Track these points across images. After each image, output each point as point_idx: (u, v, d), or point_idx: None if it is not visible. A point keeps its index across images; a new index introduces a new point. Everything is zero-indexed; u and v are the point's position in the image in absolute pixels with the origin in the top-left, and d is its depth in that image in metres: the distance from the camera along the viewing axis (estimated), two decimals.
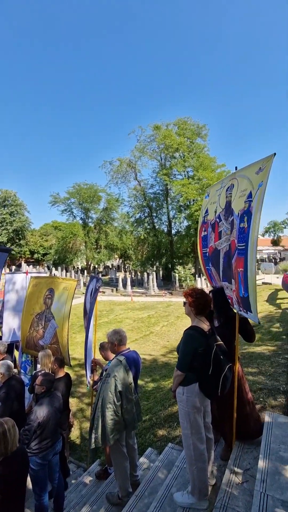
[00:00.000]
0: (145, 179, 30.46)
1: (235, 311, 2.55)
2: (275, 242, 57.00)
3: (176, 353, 2.67)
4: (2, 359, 3.67)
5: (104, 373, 2.69)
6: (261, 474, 2.11)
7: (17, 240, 41.30)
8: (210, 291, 2.88)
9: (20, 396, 3.45)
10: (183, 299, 2.49)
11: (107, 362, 3.65)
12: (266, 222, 61.17)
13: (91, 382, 3.80)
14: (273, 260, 36.08)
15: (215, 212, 3.05)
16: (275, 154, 2.13)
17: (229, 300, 2.69)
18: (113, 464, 2.73)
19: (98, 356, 3.79)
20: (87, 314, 4.14)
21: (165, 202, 28.50)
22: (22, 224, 41.95)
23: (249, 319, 2.58)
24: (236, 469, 2.39)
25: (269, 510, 1.81)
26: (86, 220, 35.74)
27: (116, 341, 2.78)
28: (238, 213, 2.46)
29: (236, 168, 2.72)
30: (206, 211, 3.43)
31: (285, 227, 57.43)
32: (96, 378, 3.65)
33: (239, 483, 2.25)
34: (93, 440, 2.46)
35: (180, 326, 11.82)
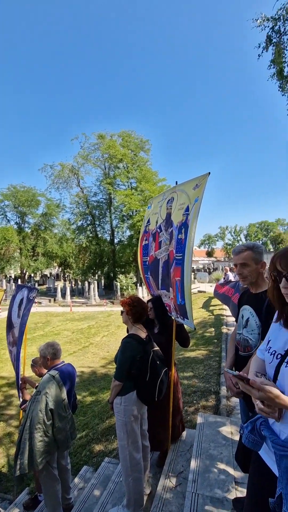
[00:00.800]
0: (88, 187, 30.14)
1: (173, 318, 2.67)
2: (209, 254, 62.22)
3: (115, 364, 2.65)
4: None
5: (34, 390, 2.49)
6: (193, 475, 2.20)
7: None
8: (148, 300, 2.97)
9: None
10: (121, 310, 2.50)
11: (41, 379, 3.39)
12: (202, 235, 66.49)
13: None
14: (207, 270, 39.12)
15: (157, 222, 3.18)
16: (209, 173, 2.34)
17: (167, 308, 2.80)
18: (42, 489, 2.50)
19: (30, 373, 3.47)
20: (15, 328, 3.78)
21: (108, 211, 28.55)
22: None
23: (184, 326, 2.74)
24: (170, 473, 2.44)
25: (199, 508, 1.89)
26: (22, 225, 33.14)
27: (49, 355, 2.61)
28: (177, 225, 2.62)
29: (176, 182, 2.91)
30: (148, 221, 3.55)
31: (217, 240, 63.33)
32: (27, 397, 3.34)
33: (173, 487, 2.30)
34: (18, 466, 2.22)
35: (121, 335, 11.73)
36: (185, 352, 6.41)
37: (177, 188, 2.85)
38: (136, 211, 24.84)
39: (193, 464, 2.32)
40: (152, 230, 3.34)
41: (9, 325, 3.90)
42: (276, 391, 0.94)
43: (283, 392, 0.99)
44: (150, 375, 2.22)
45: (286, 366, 1.03)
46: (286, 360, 1.04)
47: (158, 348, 2.41)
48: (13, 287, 25.08)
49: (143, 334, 2.34)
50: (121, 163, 26.99)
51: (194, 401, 3.83)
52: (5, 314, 4.05)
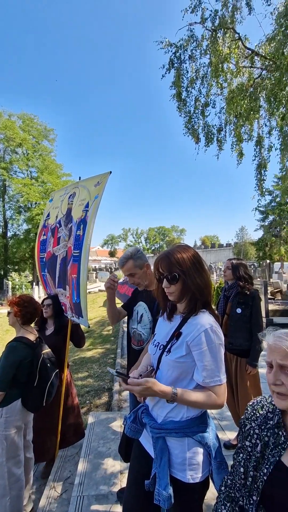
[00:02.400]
0: None
1: (68, 318, 2.55)
2: (112, 254, 63.72)
3: None
4: None
5: None
6: (79, 477, 2.15)
7: None
8: (48, 297, 2.75)
9: None
10: (7, 310, 2.21)
11: None
12: (106, 235, 67.53)
13: None
14: (109, 270, 39.89)
15: (56, 217, 2.99)
16: (110, 172, 2.36)
17: (63, 307, 2.66)
18: None
19: None
20: None
21: (1, 200, 25.07)
22: None
23: (80, 325, 2.67)
24: (55, 483, 2.31)
25: (83, 510, 1.85)
26: None
27: None
28: (76, 221, 2.52)
29: (80, 178, 2.82)
30: (48, 215, 3.31)
31: (120, 241, 65.69)
32: None
33: (58, 496, 2.18)
34: None
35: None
36: (80, 352, 6.28)
37: (79, 184, 2.77)
38: (35, 203, 22.87)
39: (80, 466, 2.27)
40: (51, 225, 3.12)
41: None
42: (151, 380, 1.02)
43: (161, 380, 1.08)
44: (39, 379, 2.04)
45: (166, 355, 1.12)
46: (166, 350, 1.13)
47: (49, 350, 2.24)
48: None
49: (32, 336, 2.14)
50: (20, 148, 24.27)
51: (87, 401, 3.79)
52: None
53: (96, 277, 30.85)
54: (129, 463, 2.23)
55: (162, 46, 7.49)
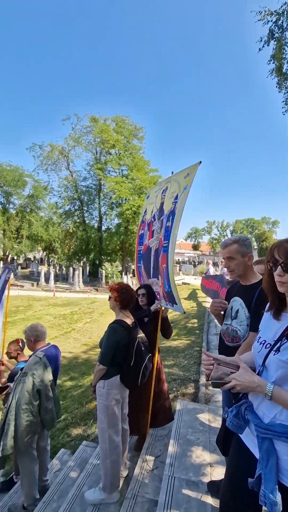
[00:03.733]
0: (78, 171, 29.44)
1: (162, 306, 2.67)
2: (195, 247, 62.88)
3: (97, 349, 2.66)
4: None
5: (20, 372, 2.45)
6: (170, 459, 2.25)
7: None
8: (141, 286, 2.96)
9: None
10: (108, 295, 2.47)
11: (17, 363, 3.33)
12: (189, 228, 67.01)
13: None
14: (192, 263, 39.64)
15: (152, 212, 3.17)
16: (200, 162, 2.32)
17: (157, 296, 2.81)
18: (20, 470, 2.49)
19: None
20: None
21: (97, 197, 28.02)
22: None
23: (167, 316, 2.78)
24: (148, 457, 2.49)
25: (175, 490, 1.94)
26: (7, 205, 32.01)
27: (32, 337, 2.59)
28: (167, 213, 2.61)
29: (172, 172, 2.89)
30: (145, 211, 3.54)
31: (204, 234, 64.06)
32: (3, 381, 3.29)
33: (150, 470, 2.35)
34: (0, 447, 2.20)
35: (104, 323, 11.78)
36: (166, 341, 6.50)
37: (171, 178, 2.84)
38: (125, 199, 24.55)
39: (170, 448, 2.37)
40: (147, 220, 3.33)
41: None
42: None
43: (270, 380, 1.02)
44: (135, 361, 2.22)
45: (274, 355, 1.04)
46: (274, 349, 1.05)
47: (143, 334, 2.41)
48: None
49: (129, 320, 2.33)
50: (113, 149, 26.42)
51: (174, 389, 3.91)
52: None
53: (179, 270, 31.18)
54: (219, 457, 2.21)
55: (260, 17, 6.75)
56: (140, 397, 2.66)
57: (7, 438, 2.21)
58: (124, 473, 2.42)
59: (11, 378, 3.10)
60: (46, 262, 38.01)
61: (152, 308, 2.74)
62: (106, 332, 2.27)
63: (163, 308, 2.70)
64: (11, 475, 3.11)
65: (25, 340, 2.75)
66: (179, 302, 2.28)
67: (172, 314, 9.46)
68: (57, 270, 28.81)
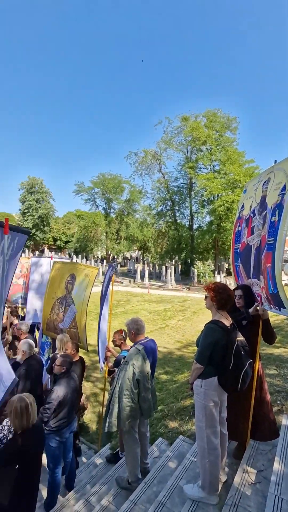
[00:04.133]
0: (169, 172, 30.28)
1: (264, 308, 2.46)
2: None
3: (191, 347, 2.68)
4: (24, 338, 3.81)
5: (122, 360, 2.72)
6: (276, 477, 2.05)
7: (41, 227, 42.58)
8: (238, 287, 2.80)
9: (38, 375, 3.57)
10: (200, 295, 2.47)
11: (121, 351, 3.70)
12: None
13: (104, 368, 3.87)
14: None
15: (250, 207, 2.94)
16: None
17: (258, 298, 2.60)
18: (125, 449, 2.77)
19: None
20: (101, 301, 4.19)
21: (188, 196, 28.08)
22: (47, 211, 43.13)
23: (270, 321, 2.51)
24: (249, 468, 2.34)
25: None
26: (108, 210, 36.06)
27: (133, 330, 2.80)
28: (271, 207, 2.35)
29: (275, 161, 2.60)
30: (242, 206, 3.32)
31: None
32: (110, 365, 3.71)
33: (252, 483, 2.20)
34: (107, 424, 2.51)
35: (197, 321, 11.72)
36: (267, 348, 5.91)
37: (274, 168, 2.53)
38: (217, 195, 23.64)
39: (276, 466, 2.16)
40: (245, 216, 3.10)
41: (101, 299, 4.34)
42: None
43: None
44: (234, 364, 2.13)
45: None
46: None
47: (243, 338, 2.27)
48: (100, 266, 27.85)
49: (227, 322, 2.24)
50: (204, 145, 25.86)
51: (278, 402, 3.52)
52: (95, 289, 4.53)
53: (282, 270, 27.74)
54: None
55: None
56: (240, 403, 2.52)
57: (111, 417, 2.49)
58: (223, 478, 2.35)
59: (116, 364, 3.49)
60: (141, 260, 40.73)
61: (251, 310, 2.55)
62: (203, 331, 2.25)
63: (264, 310, 2.47)
64: (117, 450, 3.50)
65: (127, 332, 3.03)
66: None
67: (274, 318, 8.53)
68: (151, 268, 30.42)
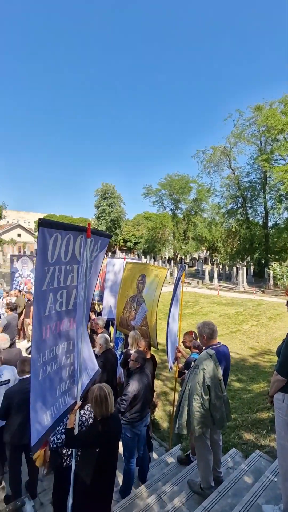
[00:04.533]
0: (240, 167, 28.30)
1: None
2: None
3: (267, 356, 2.45)
4: (101, 333, 4.15)
5: (193, 363, 2.68)
6: None
7: (113, 229, 45.61)
8: None
9: (113, 368, 3.83)
10: (277, 299, 2.24)
11: (191, 353, 3.65)
12: None
13: (174, 368, 3.88)
14: None
15: None
16: None
17: None
18: (196, 454, 2.73)
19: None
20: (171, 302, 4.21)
21: (262, 191, 25.84)
22: (118, 215, 46.02)
23: None
24: None
25: None
26: (176, 211, 36.15)
27: (205, 333, 2.71)
28: None
29: None
30: None
31: None
32: (180, 366, 3.70)
33: None
34: (176, 425, 2.52)
35: (273, 328, 10.70)
36: None
37: None
38: None
39: None
40: None
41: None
42: None
43: None
44: None
45: None
46: None
47: None
48: (168, 267, 28.12)
49: None
50: (281, 134, 23.36)
51: None
52: (164, 290, 4.59)
53: None
54: None
55: None
56: None
57: (181, 419, 2.47)
58: None
59: (186, 365, 3.47)
60: (209, 261, 39.48)
61: None
62: (286, 340, 2.04)
63: None
64: (189, 452, 3.47)
65: (197, 335, 2.95)
66: None
67: None
68: (220, 269, 29.16)
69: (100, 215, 45.94)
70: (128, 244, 47.76)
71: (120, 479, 3.23)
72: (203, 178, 31.97)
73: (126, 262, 5.22)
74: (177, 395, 3.42)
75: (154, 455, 4.06)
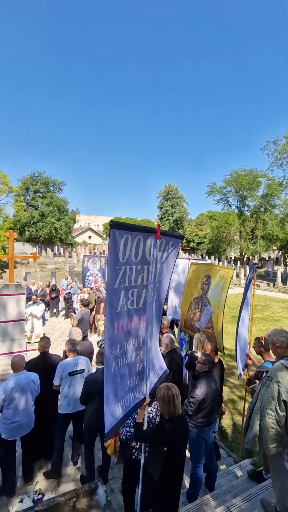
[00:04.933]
0: None
1: None
2: None
3: None
4: (166, 333, 4.17)
5: (265, 374, 2.45)
6: None
7: (176, 230, 45.60)
8: None
9: (179, 368, 3.81)
10: None
11: (264, 361, 3.35)
12: None
13: (244, 376, 3.63)
14: None
15: None
16: None
17: None
18: (271, 474, 2.49)
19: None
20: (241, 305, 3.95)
21: None
22: (181, 215, 45.83)
23: None
24: None
25: None
26: (242, 208, 33.93)
27: (278, 342, 2.44)
28: None
29: None
30: None
31: None
32: (250, 374, 3.45)
33: None
34: (247, 440, 2.34)
35: None
36: None
37: None
38: None
39: None
40: None
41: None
42: None
43: None
44: None
45: None
46: None
47: None
48: (233, 268, 26.60)
49: None
50: None
51: None
52: (230, 292, 4.35)
53: None
54: None
55: None
56: None
57: (251, 433, 2.26)
58: None
59: (258, 375, 3.21)
60: (282, 262, 35.83)
61: None
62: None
63: None
64: (261, 468, 3.21)
65: (268, 343, 2.67)
66: None
67: None
68: None
69: (163, 216, 46.50)
70: (191, 244, 47.02)
71: (186, 482, 3.19)
72: (274, 171, 29.17)
73: (191, 263, 5.14)
74: (247, 404, 3.18)
75: (222, 465, 3.88)
